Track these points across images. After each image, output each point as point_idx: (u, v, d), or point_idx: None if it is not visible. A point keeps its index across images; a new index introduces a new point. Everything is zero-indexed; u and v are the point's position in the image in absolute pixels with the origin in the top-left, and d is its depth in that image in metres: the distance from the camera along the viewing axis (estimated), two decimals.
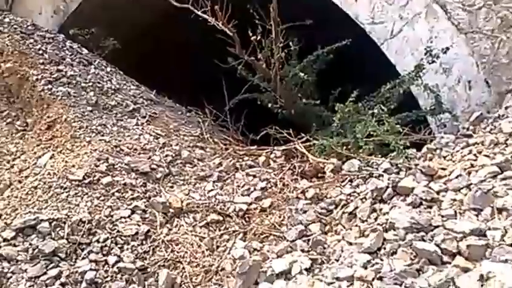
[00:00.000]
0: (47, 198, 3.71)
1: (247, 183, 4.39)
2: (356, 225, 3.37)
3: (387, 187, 3.49)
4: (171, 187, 4.20)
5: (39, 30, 6.54)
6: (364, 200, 3.58)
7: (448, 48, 4.83)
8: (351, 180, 4.02)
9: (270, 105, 6.29)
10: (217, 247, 3.64)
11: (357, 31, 5.60)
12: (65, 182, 3.86)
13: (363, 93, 5.35)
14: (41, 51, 5.88)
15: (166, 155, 4.62)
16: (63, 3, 8.02)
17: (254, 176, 4.57)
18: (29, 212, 3.55)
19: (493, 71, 4.71)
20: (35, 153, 4.65)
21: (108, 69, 6.53)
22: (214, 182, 4.37)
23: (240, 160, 4.94)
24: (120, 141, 4.67)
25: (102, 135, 4.76)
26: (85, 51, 6.74)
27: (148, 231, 3.60)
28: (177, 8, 5.84)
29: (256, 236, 3.67)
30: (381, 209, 3.37)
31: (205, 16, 5.16)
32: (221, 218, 3.84)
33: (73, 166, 4.05)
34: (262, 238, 3.68)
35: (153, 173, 4.26)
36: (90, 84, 5.77)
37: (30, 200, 3.71)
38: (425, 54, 4.92)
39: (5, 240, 3.36)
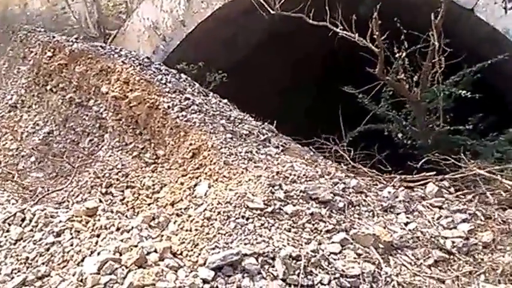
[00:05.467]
0: (230, 231, 2.98)
1: (442, 216, 3.67)
2: None
3: None
4: (359, 218, 3.45)
5: (153, 63, 6.09)
6: None
7: None
8: None
9: (400, 135, 5.67)
10: None
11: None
12: (245, 212, 3.15)
13: None
14: (163, 81, 5.36)
15: (334, 183, 3.91)
16: (163, 42, 7.76)
17: (440, 208, 3.89)
18: (216, 246, 2.82)
19: None
20: (182, 183, 4.01)
21: (225, 101, 6.01)
22: (405, 213, 3.62)
23: (408, 190, 4.22)
24: (278, 168, 3.98)
25: (255, 162, 4.11)
26: (197, 84, 6.26)
27: (374, 270, 2.82)
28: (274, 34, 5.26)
29: (503, 277, 2.87)
30: None
31: (345, 33, 4.57)
32: (446, 256, 3.05)
33: (245, 194, 3.35)
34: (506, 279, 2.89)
35: (334, 202, 3.52)
36: (218, 112, 5.22)
37: (209, 234, 2.98)
38: None
39: (205, 282, 2.59)
